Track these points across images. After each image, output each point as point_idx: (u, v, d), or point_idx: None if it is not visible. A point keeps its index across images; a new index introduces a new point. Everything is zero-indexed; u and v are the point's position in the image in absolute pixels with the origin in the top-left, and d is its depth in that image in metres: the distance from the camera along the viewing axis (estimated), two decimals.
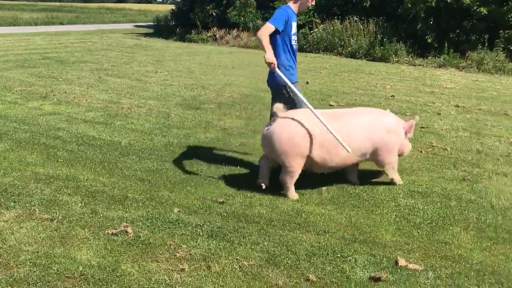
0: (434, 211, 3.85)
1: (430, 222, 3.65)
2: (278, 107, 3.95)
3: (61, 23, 25.06)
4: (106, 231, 3.30)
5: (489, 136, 5.99)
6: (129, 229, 3.33)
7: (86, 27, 24.08)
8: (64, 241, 3.16)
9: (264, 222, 3.53)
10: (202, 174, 4.45)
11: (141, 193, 3.99)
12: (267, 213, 3.68)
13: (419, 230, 3.51)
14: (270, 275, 2.88)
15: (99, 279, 2.77)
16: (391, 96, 8.30)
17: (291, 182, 3.99)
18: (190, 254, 3.08)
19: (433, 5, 13.18)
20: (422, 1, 13.32)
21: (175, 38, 18.90)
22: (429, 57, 13.25)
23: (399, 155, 4.35)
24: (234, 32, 17.51)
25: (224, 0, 17.99)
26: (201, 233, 3.33)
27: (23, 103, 6.95)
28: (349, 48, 14.50)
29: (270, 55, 3.95)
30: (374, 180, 4.45)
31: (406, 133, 4.29)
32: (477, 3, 12.83)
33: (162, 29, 20.54)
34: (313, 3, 4.33)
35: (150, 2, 70.11)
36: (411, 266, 3.00)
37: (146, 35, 20.44)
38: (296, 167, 3.94)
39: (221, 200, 3.86)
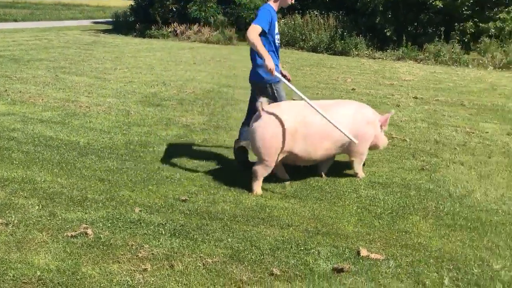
0: (394, 201, 3.92)
1: (391, 212, 3.72)
2: (263, 102, 3.93)
3: (15, 20, 24.12)
4: (65, 234, 3.21)
5: (446, 126, 6.17)
6: (89, 231, 3.24)
7: (42, 24, 23.27)
8: (20, 246, 3.05)
9: (228, 219, 3.51)
10: (163, 172, 4.39)
11: (101, 193, 3.89)
12: (231, 209, 3.67)
13: (380, 220, 3.58)
14: (234, 271, 2.86)
15: (58, 283, 2.69)
16: (351, 90, 8.42)
17: (262, 175, 3.99)
18: (152, 253, 3.02)
19: None
20: None
21: (135, 34, 18.53)
22: (388, 50, 13.52)
23: (374, 148, 4.49)
24: (195, 27, 17.34)
25: None
26: (163, 232, 3.28)
27: None
28: (311, 43, 14.63)
29: (270, 63, 3.88)
30: (350, 172, 4.50)
31: (381, 126, 4.38)
32: None
33: (121, 25, 20.10)
34: (293, 1, 4.29)
35: None
36: (372, 256, 3.05)
37: (105, 31, 19.95)
38: (274, 162, 3.97)
39: (183, 198, 3.82)
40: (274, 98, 4.19)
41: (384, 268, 2.94)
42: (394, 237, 3.33)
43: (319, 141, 3.99)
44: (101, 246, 3.09)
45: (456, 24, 12.95)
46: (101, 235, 3.22)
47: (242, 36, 16.70)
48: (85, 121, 5.95)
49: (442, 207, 3.83)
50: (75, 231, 3.23)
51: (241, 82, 8.87)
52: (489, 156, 5.06)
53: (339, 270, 2.88)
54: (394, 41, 13.71)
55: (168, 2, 17.86)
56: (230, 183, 4.15)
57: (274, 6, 4.20)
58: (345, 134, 3.96)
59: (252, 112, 4.27)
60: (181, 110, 6.67)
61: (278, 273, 2.84)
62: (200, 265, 2.91)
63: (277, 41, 4.24)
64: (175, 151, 4.96)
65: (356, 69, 11.00)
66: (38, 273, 2.75)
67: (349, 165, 4.47)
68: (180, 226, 3.37)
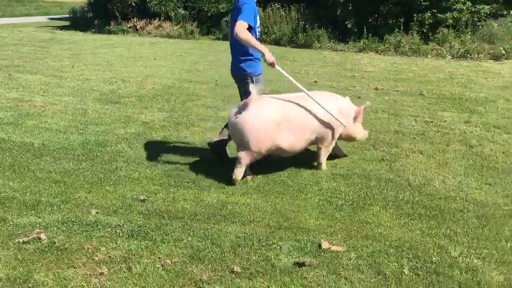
0: (355, 192, 3.94)
1: (352, 203, 3.73)
2: (254, 90, 3.96)
3: None
4: (17, 240, 3.07)
5: (406, 116, 6.25)
6: (43, 236, 3.11)
7: None
8: None
9: (188, 217, 3.44)
10: (121, 171, 4.26)
11: (56, 196, 3.75)
12: (191, 208, 3.59)
13: (341, 212, 3.58)
14: (194, 271, 2.80)
15: None
16: (314, 82, 8.43)
17: (246, 164, 4.01)
18: (109, 256, 2.93)
19: None
20: None
21: (94, 30, 18.04)
22: (350, 42, 13.61)
23: (350, 140, 4.62)
24: (156, 22, 17.02)
25: None
26: (121, 234, 3.18)
27: None
28: (273, 36, 14.58)
29: (270, 57, 3.95)
30: (312, 164, 4.48)
31: (355, 118, 4.44)
32: None
33: (79, 22, 19.52)
34: None
35: None
36: (334, 248, 3.05)
37: (62, 28, 19.33)
38: (264, 153, 4.02)
39: (142, 198, 3.71)
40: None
41: (345, 260, 2.93)
42: (355, 228, 3.34)
43: (301, 132, 4.09)
44: (55, 251, 2.97)
45: (414, 15, 13.14)
46: (55, 240, 3.09)
47: (204, 30, 16.52)
48: (39, 121, 5.73)
49: (401, 196, 3.86)
50: (28, 237, 3.10)
51: (202, 77, 8.77)
52: (447, 144, 5.15)
53: (301, 264, 2.86)
54: (355, 33, 13.82)
55: None
56: (191, 181, 4.07)
57: None
58: (336, 119, 4.21)
59: None
60: (140, 107, 6.51)
61: (239, 270, 2.80)
62: (158, 266, 2.84)
63: (258, 35, 4.26)
64: (134, 150, 4.83)
65: (318, 61, 11.04)
66: None
67: (312, 158, 4.46)
68: (138, 227, 3.28)
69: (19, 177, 4.10)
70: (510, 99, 7.19)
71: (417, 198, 3.83)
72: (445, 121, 6.03)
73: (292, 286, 2.68)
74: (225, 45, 14.02)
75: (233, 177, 3.98)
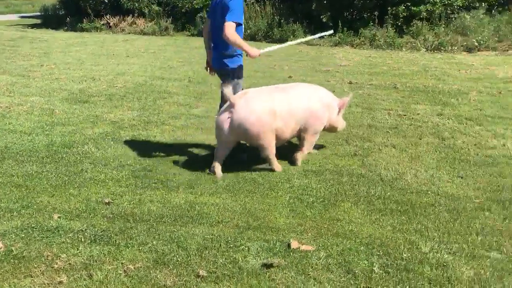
0: (326, 188, 3.87)
1: (323, 200, 3.66)
2: (228, 91, 3.98)
3: None
4: None
5: (379, 110, 6.22)
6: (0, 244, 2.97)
7: None
8: None
9: (154, 220, 3.33)
10: (87, 173, 4.12)
11: (17, 201, 3.59)
12: (158, 210, 3.48)
13: (312, 210, 3.51)
14: (158, 276, 2.70)
15: None
16: (288, 77, 8.36)
17: (273, 155, 4.14)
18: (69, 263, 2.80)
19: None
20: None
21: (66, 28, 17.67)
22: (325, 36, 13.58)
23: (333, 131, 4.70)
24: (129, 19, 16.74)
25: None
26: (83, 239, 3.06)
27: None
28: (248, 31, 14.45)
29: (253, 51, 4.11)
30: (284, 161, 4.39)
31: (340, 110, 4.55)
32: None
33: (50, 19, 19.08)
34: None
35: None
36: (303, 247, 2.98)
37: (33, 26, 18.89)
38: (272, 141, 4.07)
39: (107, 201, 3.58)
40: (234, 83, 4.26)
41: (315, 259, 2.86)
42: (326, 226, 3.27)
43: (288, 121, 4.14)
44: (12, 260, 2.83)
45: (389, 8, 13.17)
46: (13, 248, 2.95)
47: (179, 26, 16.30)
48: (3, 123, 5.52)
49: (373, 191, 3.81)
50: None
51: (175, 73, 8.62)
52: (420, 138, 5.13)
53: (269, 266, 2.78)
54: (330, 27, 13.78)
55: None
56: (159, 181, 3.96)
57: None
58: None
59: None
60: (110, 106, 6.34)
61: (205, 274, 2.70)
62: (121, 272, 2.72)
63: (243, 30, 4.31)
64: (101, 151, 4.68)
65: (293, 56, 10.97)
66: None
67: (285, 155, 4.39)
68: (101, 232, 3.15)
69: None
70: (482, 91, 7.23)
71: (388, 193, 3.79)
72: (418, 114, 6.02)
73: None
74: (200, 41, 13.83)
75: (277, 170, 4.17)
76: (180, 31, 16.21)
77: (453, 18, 12.70)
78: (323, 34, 5.16)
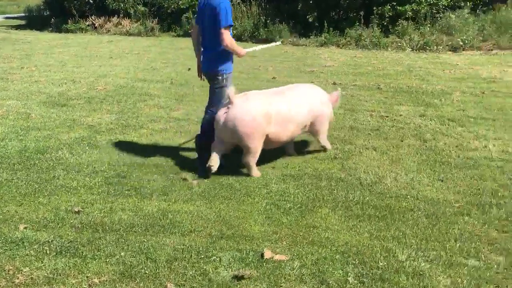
0: (304, 193, 3.79)
1: (300, 206, 3.58)
2: (231, 91, 3.97)
3: None
4: None
5: (362, 112, 6.15)
6: None
7: None
8: None
9: (124, 229, 3.22)
10: (59, 180, 4.00)
11: None
12: (129, 218, 3.36)
13: (288, 216, 3.42)
14: None
15: None
16: (272, 78, 8.28)
17: (254, 162, 4.10)
18: (31, 278, 2.69)
19: None
20: None
21: (50, 29, 17.45)
22: (311, 37, 13.51)
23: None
24: (115, 19, 16.56)
25: None
26: (48, 251, 2.94)
27: None
28: (234, 31, 14.32)
29: (241, 51, 4.21)
30: (262, 164, 4.30)
31: (334, 103, 4.72)
32: None
33: (35, 20, 18.86)
34: None
35: None
36: (277, 257, 2.89)
37: (18, 27, 18.63)
38: (259, 147, 4.06)
39: (77, 209, 3.47)
40: (222, 87, 4.21)
41: (288, 270, 2.78)
42: (301, 234, 3.18)
43: (286, 124, 4.15)
44: None
45: (374, 8, 13.13)
46: None
47: (165, 27, 16.15)
48: None
49: (352, 196, 3.73)
50: None
51: (158, 75, 8.49)
52: (402, 139, 5.07)
53: (240, 278, 2.68)
54: (316, 27, 13.73)
55: None
56: (132, 188, 3.85)
57: None
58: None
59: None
60: (88, 109, 6.21)
61: (173, 287, 2.60)
62: (85, 286, 2.62)
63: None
64: (75, 156, 4.55)
65: (279, 57, 10.89)
66: None
67: (265, 159, 4.30)
68: (68, 243, 3.04)
69: None
70: (465, 91, 7.20)
71: (367, 198, 3.71)
72: (400, 115, 5.96)
73: None
74: (186, 42, 13.75)
75: (255, 177, 4.09)
76: (166, 32, 16.06)
77: (439, 18, 12.69)
78: (271, 44, 5.25)
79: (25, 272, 2.73)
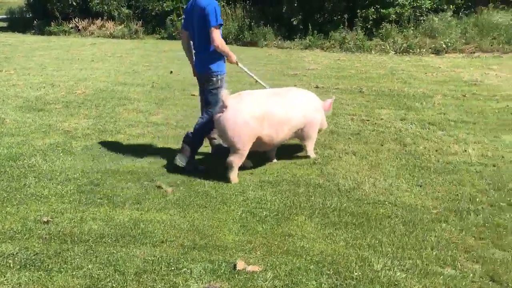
0: (281, 200, 3.72)
1: (276, 214, 3.51)
2: (224, 93, 3.98)
3: None
4: None
5: (343, 116, 6.11)
6: None
7: None
8: None
9: (94, 240, 3.12)
10: (30, 189, 3.88)
11: None
12: (99, 228, 3.26)
13: (264, 225, 3.35)
14: None
15: None
16: (255, 82, 8.19)
17: (239, 164, 4.07)
18: None
19: None
20: None
21: (33, 31, 17.24)
22: (296, 39, 13.49)
23: (319, 132, 4.71)
24: (99, 22, 16.40)
25: None
26: (12, 265, 2.83)
27: None
28: None
29: (234, 58, 4.33)
30: (241, 171, 4.22)
31: (327, 110, 4.71)
32: None
33: (17, 23, 18.59)
34: None
35: None
36: (249, 268, 2.81)
37: None
38: (247, 149, 4.05)
39: (45, 219, 3.36)
40: (217, 88, 4.28)
41: (261, 281, 2.70)
42: (276, 243, 3.11)
43: (280, 126, 4.15)
44: None
45: (358, 11, 13.15)
46: None
47: (149, 29, 16.01)
48: None
49: (329, 203, 3.67)
50: None
51: (139, 78, 8.38)
52: (382, 144, 5.03)
53: None
54: (301, 30, 13.71)
55: None
56: (105, 197, 3.74)
57: None
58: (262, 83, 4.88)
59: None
60: (65, 114, 6.08)
61: None
62: None
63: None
64: (48, 163, 4.44)
65: (263, 59, 10.83)
66: None
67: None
68: (34, 255, 2.93)
69: None
70: (447, 94, 7.20)
71: (345, 205, 3.65)
72: (381, 119, 5.93)
73: None
74: (170, 44, 13.66)
75: (232, 182, 4.02)
76: (150, 34, 15.94)
77: (422, 21, 12.75)
78: (261, 82, 5.10)
79: None
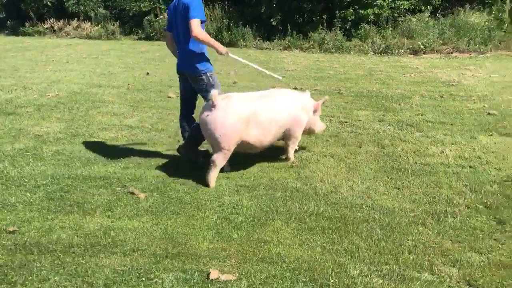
0: (258, 206, 3.64)
1: (252, 220, 3.43)
2: (214, 93, 3.91)
3: None
4: None
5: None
6: None
7: None
8: None
9: (62, 250, 2.99)
10: None
11: None
12: (68, 238, 3.14)
13: (239, 231, 3.27)
14: None
15: None
16: (233, 83, 8.13)
17: (222, 164, 4.03)
18: None
19: None
20: None
21: (7, 32, 16.87)
22: (275, 40, 13.47)
23: (311, 133, 4.79)
24: (74, 22, 16.12)
25: None
26: None
27: None
28: None
29: (221, 48, 4.20)
30: (220, 175, 4.13)
31: (315, 111, 4.64)
32: None
33: None
34: None
35: None
36: (223, 277, 2.73)
37: None
38: (232, 149, 4.01)
39: (11, 229, 3.22)
40: (211, 86, 4.18)
41: None
42: (252, 250, 3.03)
43: (268, 127, 4.15)
44: None
45: (337, 11, 13.19)
46: None
47: (126, 30, 15.80)
48: None
49: (306, 207, 3.61)
50: None
51: (114, 80, 8.22)
52: (360, 146, 5.00)
53: None
54: (280, 31, 13.69)
55: None
56: (75, 204, 3.61)
57: None
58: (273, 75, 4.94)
59: (186, 103, 4.44)
60: (37, 117, 5.90)
61: None
62: None
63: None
64: (17, 169, 4.28)
65: None
66: None
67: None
68: None
69: None
70: (425, 95, 7.23)
71: (322, 209, 3.59)
72: (360, 120, 5.90)
73: None
74: (147, 45, 13.48)
75: (209, 184, 3.94)
76: (127, 35, 15.73)
77: (400, 22, 12.85)
78: (274, 75, 5.11)
79: None
